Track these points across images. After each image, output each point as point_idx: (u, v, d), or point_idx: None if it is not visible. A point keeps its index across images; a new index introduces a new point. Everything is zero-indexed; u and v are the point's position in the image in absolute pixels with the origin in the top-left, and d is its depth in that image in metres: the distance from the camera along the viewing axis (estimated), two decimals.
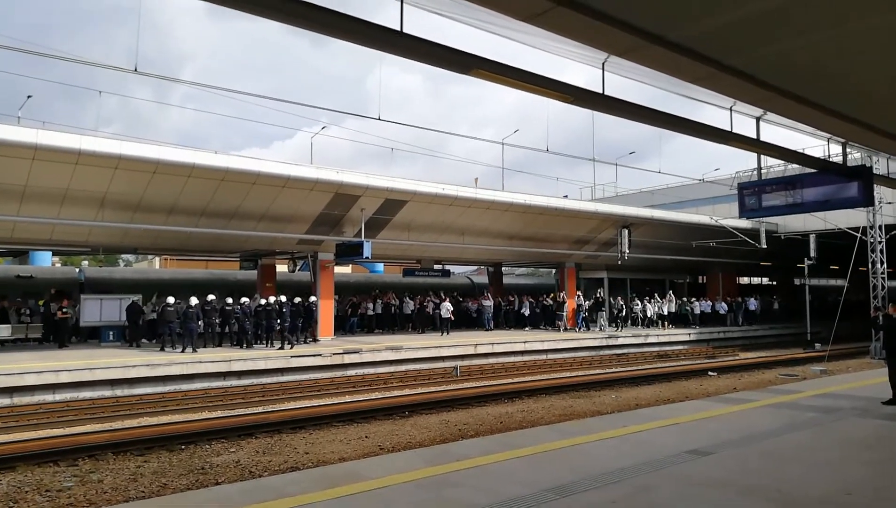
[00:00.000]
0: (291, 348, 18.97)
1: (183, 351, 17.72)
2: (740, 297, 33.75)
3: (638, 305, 30.00)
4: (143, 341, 19.92)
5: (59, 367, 14.45)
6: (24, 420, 11.99)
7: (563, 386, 16.25)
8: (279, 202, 18.47)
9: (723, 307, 32.15)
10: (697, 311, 31.22)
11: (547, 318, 28.37)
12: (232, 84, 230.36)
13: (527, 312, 28.68)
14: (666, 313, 30.07)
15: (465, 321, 27.87)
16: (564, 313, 27.47)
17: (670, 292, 31.78)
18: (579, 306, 27.74)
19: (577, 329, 27.30)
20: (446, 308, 25.07)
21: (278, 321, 19.42)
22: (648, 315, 29.73)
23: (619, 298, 29.87)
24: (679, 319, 31.06)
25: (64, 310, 19.41)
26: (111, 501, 7.29)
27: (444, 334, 24.49)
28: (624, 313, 29.40)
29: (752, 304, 33.31)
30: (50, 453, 9.15)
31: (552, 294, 29.57)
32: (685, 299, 32.12)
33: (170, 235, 18.97)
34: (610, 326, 28.23)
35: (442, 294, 27.55)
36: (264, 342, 19.74)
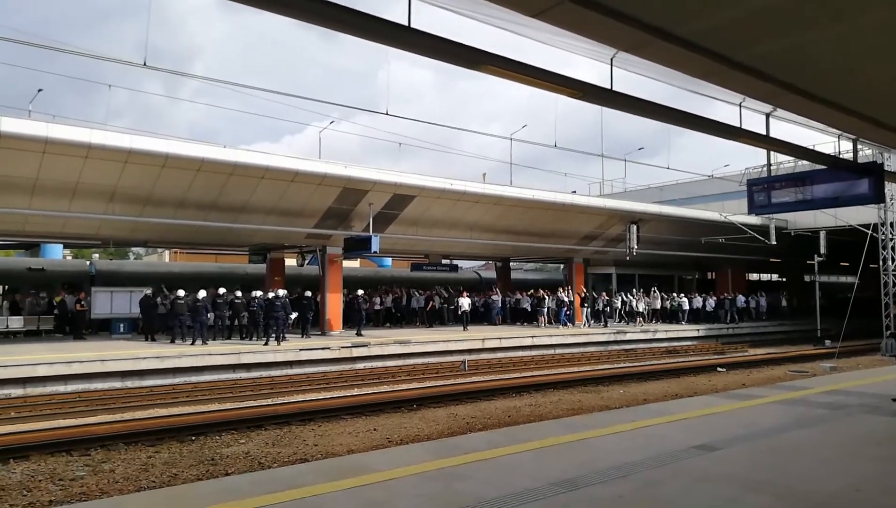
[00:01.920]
0: (277, 343, 18.44)
1: (193, 343, 17.84)
2: (731, 294, 33.12)
3: (619, 301, 29.47)
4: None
5: (72, 358, 14.61)
6: (36, 411, 12.14)
7: (571, 381, 16.26)
8: (288, 196, 18.55)
9: (710, 304, 31.22)
10: (686, 307, 30.41)
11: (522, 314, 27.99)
12: (242, 78, 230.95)
13: (528, 307, 28.51)
14: (642, 309, 29.20)
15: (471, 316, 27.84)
16: (544, 310, 26.97)
17: (654, 288, 30.96)
18: (561, 301, 27.29)
19: (560, 325, 26.74)
20: (465, 303, 25.07)
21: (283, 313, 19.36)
22: (636, 311, 29.13)
23: (604, 293, 29.41)
24: (669, 315, 30.44)
25: (82, 303, 19.69)
26: (122, 490, 7.38)
27: (465, 328, 24.50)
28: (609, 310, 28.77)
29: (741, 301, 32.45)
30: (63, 443, 9.27)
31: (531, 290, 29.27)
32: (675, 294, 31.42)
33: (179, 228, 19.09)
34: (596, 322, 27.78)
35: (447, 290, 27.57)
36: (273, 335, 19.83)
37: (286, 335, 19.70)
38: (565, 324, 26.99)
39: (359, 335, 21.21)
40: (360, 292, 22.81)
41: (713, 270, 37.93)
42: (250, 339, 19.64)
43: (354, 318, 22.19)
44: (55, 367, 14.22)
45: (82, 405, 12.68)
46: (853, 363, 20.34)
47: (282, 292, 20.15)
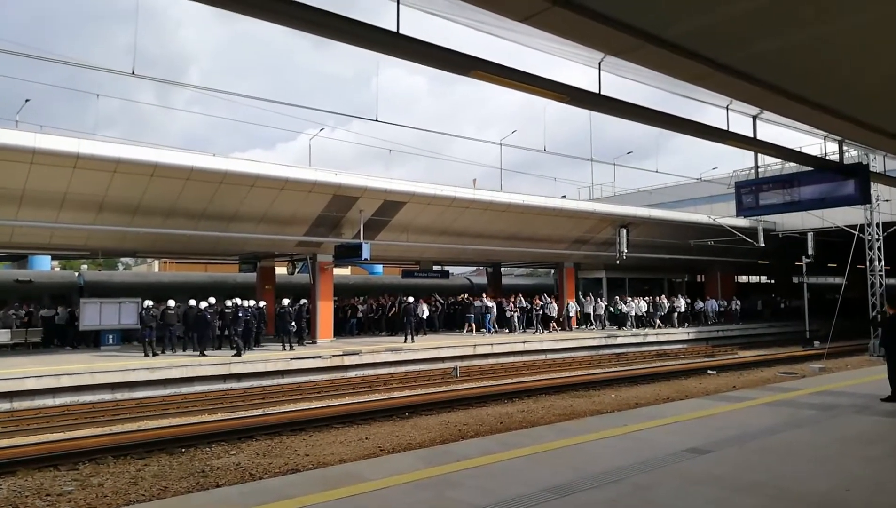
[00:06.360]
0: (240, 353, 17.95)
1: (202, 354, 17.64)
2: (668, 299, 31.88)
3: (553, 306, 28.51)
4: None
5: (60, 371, 14.45)
6: (24, 425, 11.96)
7: (562, 386, 16.26)
8: (278, 204, 18.48)
9: (640, 309, 29.59)
10: (633, 313, 29.23)
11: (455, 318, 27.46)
12: (236, 86, 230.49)
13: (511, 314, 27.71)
14: (574, 312, 28.62)
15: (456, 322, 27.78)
16: (473, 316, 26.09)
17: (591, 294, 30.25)
18: (488, 307, 26.48)
19: (488, 332, 26.03)
20: (422, 310, 24.36)
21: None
22: (572, 316, 28.71)
23: (543, 298, 28.38)
24: (614, 320, 29.63)
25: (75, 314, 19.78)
26: (112, 505, 7.30)
27: (423, 334, 24.08)
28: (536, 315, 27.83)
29: (682, 305, 31.45)
30: (50, 457, 9.15)
31: (464, 295, 28.80)
32: (616, 298, 30.50)
33: (169, 238, 18.97)
34: (527, 329, 27.02)
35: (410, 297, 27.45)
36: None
37: (293, 345, 19.56)
38: (490, 330, 26.16)
39: (412, 341, 21.58)
40: (411, 298, 23.07)
41: (703, 272, 38.11)
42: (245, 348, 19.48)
43: (408, 325, 22.34)
44: (43, 380, 14.05)
45: (70, 419, 12.52)
46: (842, 363, 20.48)
47: (286, 301, 20.00)
